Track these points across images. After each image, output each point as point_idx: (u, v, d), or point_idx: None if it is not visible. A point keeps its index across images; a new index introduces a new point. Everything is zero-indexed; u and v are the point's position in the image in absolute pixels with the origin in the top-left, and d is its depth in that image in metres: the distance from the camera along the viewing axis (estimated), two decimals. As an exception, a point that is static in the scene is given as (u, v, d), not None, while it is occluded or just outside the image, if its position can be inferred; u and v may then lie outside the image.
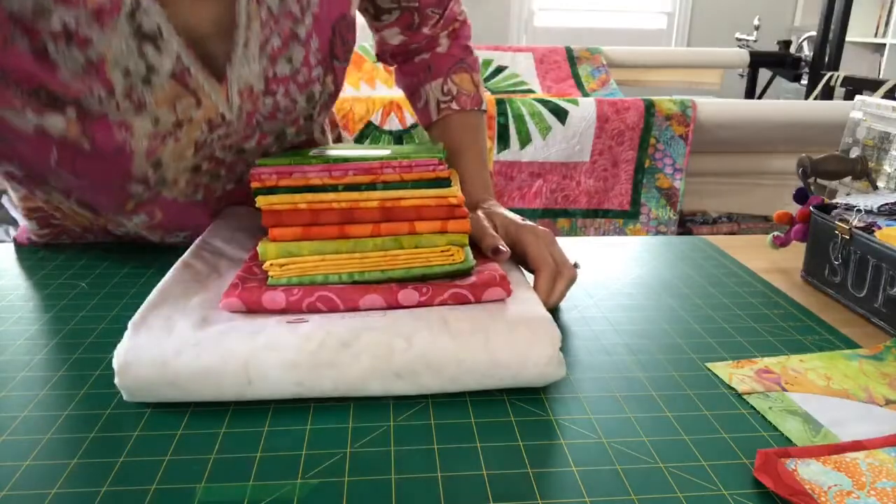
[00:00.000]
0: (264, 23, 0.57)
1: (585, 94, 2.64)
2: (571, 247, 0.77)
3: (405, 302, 0.49)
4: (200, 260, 0.57)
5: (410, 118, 2.02)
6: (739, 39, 3.74)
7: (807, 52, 3.32)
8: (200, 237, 0.62)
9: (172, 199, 0.64)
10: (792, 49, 3.37)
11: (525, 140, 2.05)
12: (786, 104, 2.20)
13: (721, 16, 4.49)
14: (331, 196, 0.51)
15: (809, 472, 0.38)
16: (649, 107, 2.06)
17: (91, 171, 0.58)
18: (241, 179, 0.67)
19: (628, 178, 2.12)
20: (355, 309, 0.49)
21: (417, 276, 0.51)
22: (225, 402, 0.45)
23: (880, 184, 0.91)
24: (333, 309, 0.48)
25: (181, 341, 0.44)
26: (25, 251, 0.72)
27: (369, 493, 0.37)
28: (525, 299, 0.50)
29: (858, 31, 4.08)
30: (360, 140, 2.03)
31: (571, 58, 2.83)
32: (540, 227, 0.60)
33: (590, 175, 2.10)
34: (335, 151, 0.57)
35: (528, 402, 0.46)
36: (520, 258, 0.59)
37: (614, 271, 0.70)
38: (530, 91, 2.62)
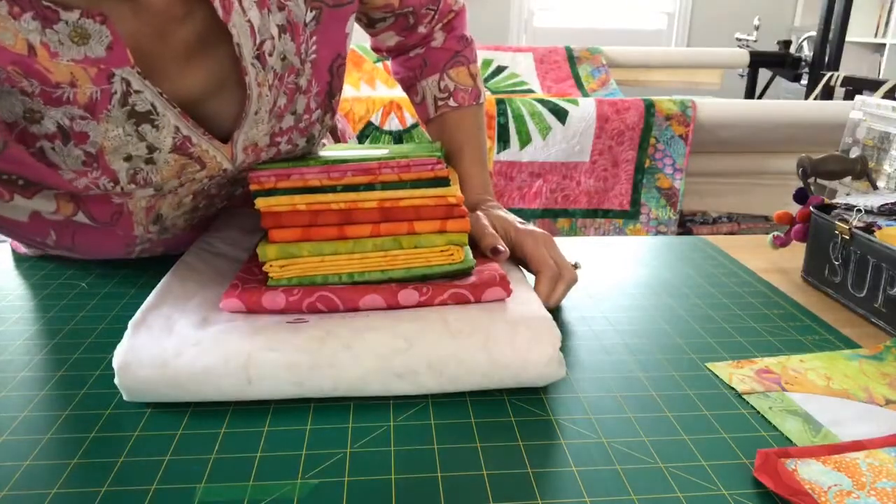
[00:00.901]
0: (271, 86, 0.55)
1: (585, 94, 2.64)
2: (571, 247, 0.77)
3: (405, 302, 0.49)
4: (200, 260, 0.57)
5: (410, 118, 2.02)
6: (739, 39, 3.74)
7: (807, 52, 3.32)
8: (200, 237, 0.62)
9: (172, 235, 0.64)
10: (792, 49, 3.37)
11: (525, 140, 2.05)
12: (786, 104, 2.20)
13: (721, 16, 4.49)
14: (330, 197, 0.51)
15: (809, 472, 0.38)
16: (649, 107, 2.06)
17: (90, 244, 0.59)
18: (231, 196, 0.67)
19: (628, 178, 2.12)
20: (355, 309, 0.49)
21: (417, 276, 0.51)
22: (225, 402, 0.45)
23: (880, 184, 0.91)
24: (333, 309, 0.48)
25: (181, 341, 0.44)
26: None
27: (369, 493, 0.37)
28: (525, 299, 0.50)
29: (858, 31, 4.08)
30: (360, 140, 2.03)
31: (571, 58, 2.82)
32: (539, 229, 0.60)
33: (590, 175, 2.10)
34: (333, 152, 0.57)
35: (528, 402, 0.46)
36: (520, 261, 0.59)
37: (614, 271, 0.70)
38: (530, 91, 2.62)
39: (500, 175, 2.08)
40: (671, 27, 4.59)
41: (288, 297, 0.48)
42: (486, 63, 2.73)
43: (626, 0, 4.53)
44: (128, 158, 0.51)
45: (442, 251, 0.51)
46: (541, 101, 2.08)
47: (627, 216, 2.17)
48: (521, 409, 0.45)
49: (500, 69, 2.72)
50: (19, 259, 0.70)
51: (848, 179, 0.95)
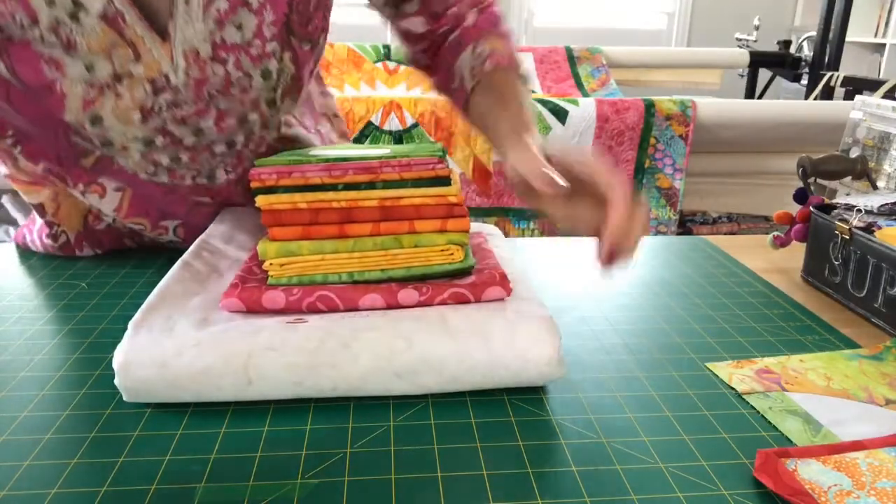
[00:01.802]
0: None
1: (585, 94, 2.64)
2: (571, 247, 0.77)
3: (405, 302, 0.49)
4: (200, 260, 0.57)
5: (410, 118, 2.02)
6: (739, 39, 3.74)
7: (807, 52, 3.32)
8: (200, 237, 0.62)
9: (133, 174, 0.62)
10: (792, 49, 3.37)
11: (525, 140, 2.05)
12: (786, 104, 2.20)
13: (721, 16, 4.49)
14: (330, 195, 0.51)
15: (809, 471, 0.38)
16: (649, 107, 2.06)
17: (24, 107, 0.57)
18: (212, 176, 0.66)
19: (628, 178, 2.12)
20: (355, 309, 0.49)
21: (417, 276, 0.51)
22: (225, 402, 0.45)
23: (880, 184, 0.91)
24: (333, 309, 0.48)
25: (181, 341, 0.44)
26: (26, 251, 0.72)
27: (369, 493, 0.37)
28: (525, 299, 0.50)
29: (858, 31, 4.07)
30: (360, 140, 2.03)
31: (571, 58, 2.82)
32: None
33: (590, 175, 2.10)
34: (335, 151, 0.57)
35: (528, 402, 0.46)
36: (582, 189, 0.48)
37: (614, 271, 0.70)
38: (530, 91, 2.62)
39: (500, 175, 2.08)
40: (671, 27, 4.59)
41: (288, 296, 0.48)
42: (486, 63, 2.72)
43: (626, 0, 4.53)
44: (51, 3, 0.51)
45: (442, 250, 0.51)
46: (541, 101, 2.08)
47: (627, 216, 2.16)
48: (521, 409, 0.45)
49: (500, 69, 2.72)
50: (20, 259, 0.70)
51: (848, 179, 0.95)
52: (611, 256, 0.47)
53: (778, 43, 3.35)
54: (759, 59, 3.20)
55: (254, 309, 0.48)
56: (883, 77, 2.84)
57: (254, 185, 0.51)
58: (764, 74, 3.46)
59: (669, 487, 0.38)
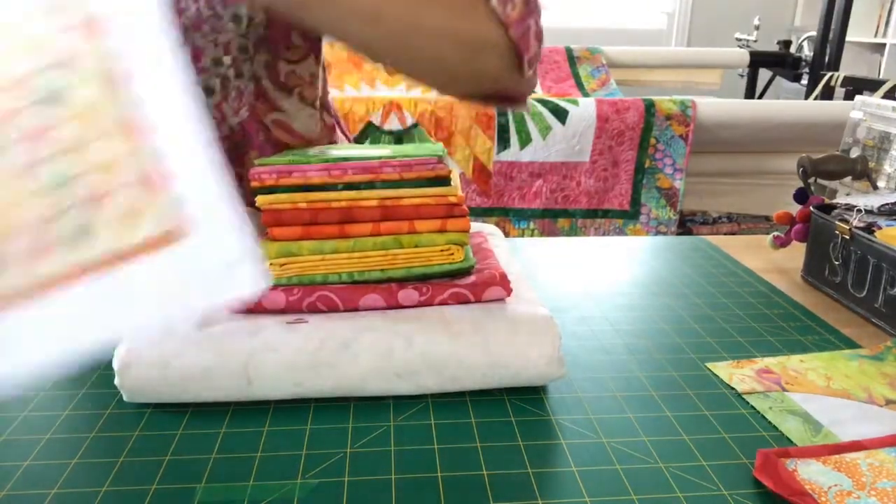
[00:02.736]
0: None
1: (585, 94, 2.64)
2: (571, 247, 0.77)
3: (405, 302, 0.49)
4: (200, 260, 0.57)
5: (410, 118, 2.02)
6: (739, 39, 3.74)
7: (807, 52, 3.32)
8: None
9: None
10: (792, 49, 3.37)
11: (525, 140, 2.05)
12: (786, 104, 2.20)
13: (721, 16, 4.49)
14: (331, 195, 0.51)
15: (809, 472, 0.38)
16: (649, 107, 2.06)
17: None
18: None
19: (628, 178, 2.12)
20: (355, 309, 0.49)
21: (417, 276, 0.51)
22: (225, 402, 0.45)
23: (880, 184, 0.91)
24: (333, 309, 0.48)
25: (181, 341, 0.44)
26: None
27: (369, 493, 0.37)
28: (526, 299, 0.50)
29: (858, 31, 4.07)
30: (360, 140, 2.03)
31: (571, 58, 2.82)
32: None
33: (590, 175, 2.10)
34: (335, 151, 0.57)
35: (528, 402, 0.46)
36: None
37: (614, 271, 0.70)
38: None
39: (500, 175, 2.08)
40: (671, 27, 4.59)
41: (288, 296, 0.48)
42: (486, 63, 2.72)
43: (626, 0, 4.53)
44: None
45: (442, 250, 0.51)
46: (541, 101, 2.08)
47: (627, 216, 2.17)
48: (521, 409, 0.45)
49: (500, 69, 2.72)
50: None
51: (848, 179, 0.95)
52: None
53: (778, 43, 3.35)
54: (758, 59, 3.20)
55: (254, 309, 0.48)
56: (883, 77, 2.84)
57: (254, 184, 0.51)
58: (764, 74, 3.46)
59: (669, 487, 0.38)
